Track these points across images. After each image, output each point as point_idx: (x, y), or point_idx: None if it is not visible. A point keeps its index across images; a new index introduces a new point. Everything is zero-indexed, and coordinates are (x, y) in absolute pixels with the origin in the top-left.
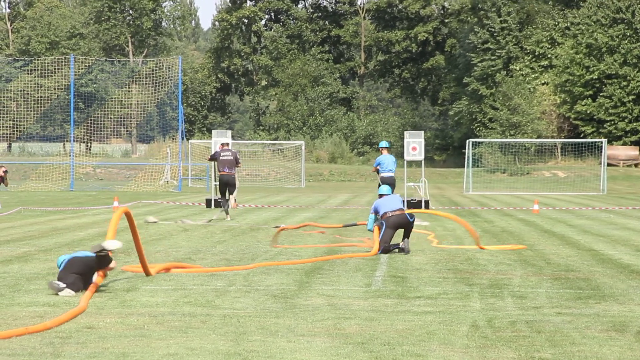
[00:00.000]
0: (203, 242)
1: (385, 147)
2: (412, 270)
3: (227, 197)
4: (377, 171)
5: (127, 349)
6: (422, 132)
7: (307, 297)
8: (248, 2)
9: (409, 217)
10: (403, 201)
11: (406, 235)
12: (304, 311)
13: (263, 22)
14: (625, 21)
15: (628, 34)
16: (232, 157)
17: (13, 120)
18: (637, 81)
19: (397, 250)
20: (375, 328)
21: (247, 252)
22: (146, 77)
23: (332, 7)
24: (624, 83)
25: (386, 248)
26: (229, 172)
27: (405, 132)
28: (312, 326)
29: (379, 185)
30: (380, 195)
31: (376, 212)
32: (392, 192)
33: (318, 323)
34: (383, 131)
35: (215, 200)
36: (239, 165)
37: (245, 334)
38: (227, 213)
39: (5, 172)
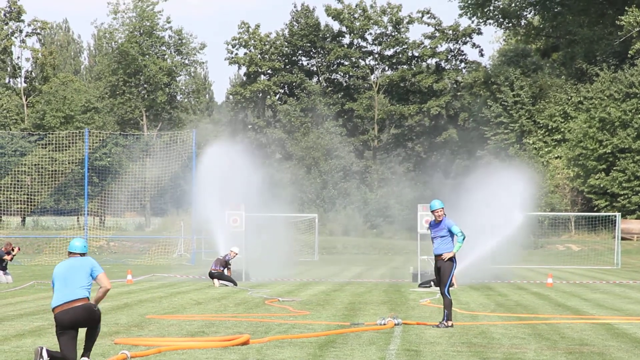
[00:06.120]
0: (216, 315)
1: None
2: (426, 343)
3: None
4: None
5: None
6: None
7: None
8: (262, 76)
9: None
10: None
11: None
12: None
13: (277, 96)
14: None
15: None
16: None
17: (27, 195)
18: None
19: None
20: None
21: (260, 324)
22: (160, 151)
23: (345, 82)
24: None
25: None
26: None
27: (418, 205)
28: None
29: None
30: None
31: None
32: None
33: None
34: (396, 204)
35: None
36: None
37: None
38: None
39: (18, 248)
